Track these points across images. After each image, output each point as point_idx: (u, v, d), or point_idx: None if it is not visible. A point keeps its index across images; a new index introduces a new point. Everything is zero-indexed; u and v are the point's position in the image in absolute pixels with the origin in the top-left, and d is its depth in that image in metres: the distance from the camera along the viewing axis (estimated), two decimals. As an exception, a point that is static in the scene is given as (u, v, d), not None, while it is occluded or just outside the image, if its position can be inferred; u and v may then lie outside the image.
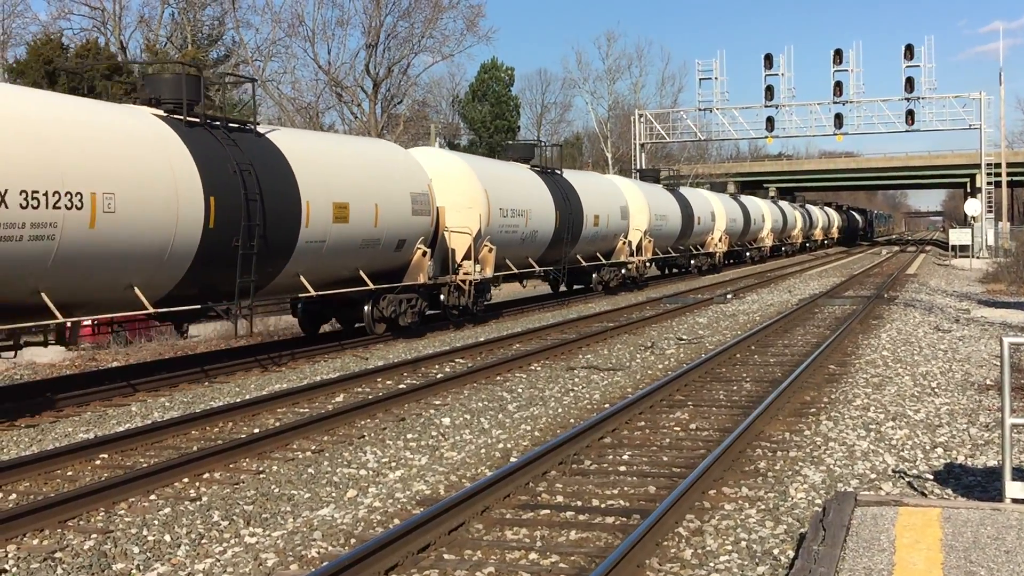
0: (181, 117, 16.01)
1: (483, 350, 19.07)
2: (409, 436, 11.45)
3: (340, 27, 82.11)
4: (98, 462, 10.43)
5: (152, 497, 8.99)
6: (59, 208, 12.86)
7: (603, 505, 8.51)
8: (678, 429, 11.58)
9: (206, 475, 9.75)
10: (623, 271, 34.94)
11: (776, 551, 7.25)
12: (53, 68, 38.22)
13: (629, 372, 16.12)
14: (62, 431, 12.09)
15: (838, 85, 57.49)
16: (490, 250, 24.26)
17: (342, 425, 12.03)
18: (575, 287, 34.56)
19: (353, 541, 7.66)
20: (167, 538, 7.80)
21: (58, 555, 7.42)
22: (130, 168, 14.18)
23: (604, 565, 6.48)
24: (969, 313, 25.19)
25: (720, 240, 49.05)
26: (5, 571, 7.09)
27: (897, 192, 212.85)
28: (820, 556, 6.03)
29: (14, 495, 9.22)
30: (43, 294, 13.11)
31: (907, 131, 57.82)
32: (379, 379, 15.63)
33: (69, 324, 14.09)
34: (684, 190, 46.56)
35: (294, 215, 17.42)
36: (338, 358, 18.43)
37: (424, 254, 21.57)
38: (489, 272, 24.27)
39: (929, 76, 57.04)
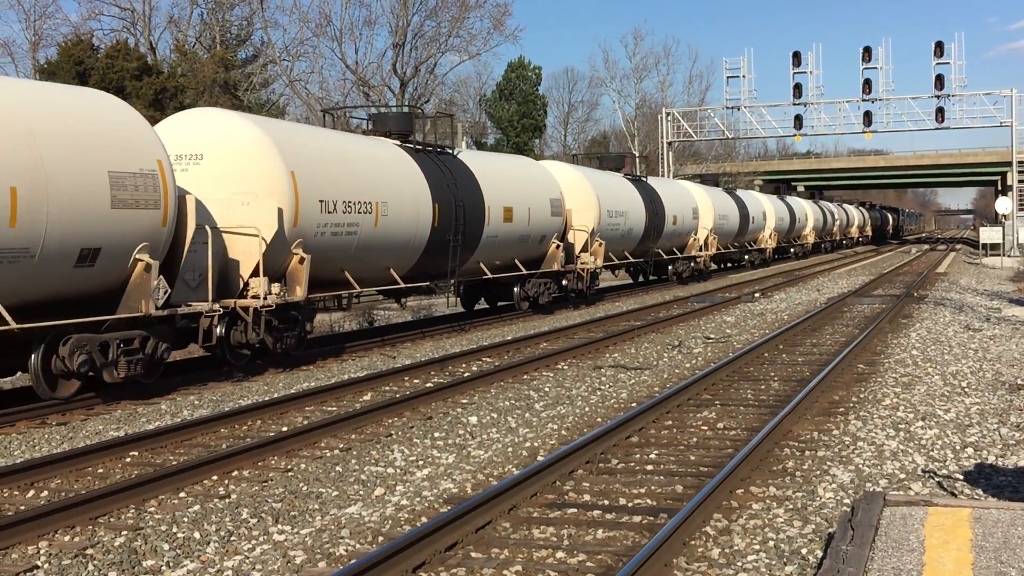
0: (412, 145, 21.67)
1: (510, 349, 19.09)
2: (436, 435, 11.47)
3: (367, 27, 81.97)
4: (128, 460, 10.52)
5: (182, 495, 9.05)
6: (360, 213, 18.40)
7: (630, 504, 8.51)
8: (705, 428, 11.55)
9: (235, 473, 9.81)
10: (692, 264, 39.79)
11: (804, 551, 7.22)
12: (83, 69, 38.54)
13: (656, 371, 16.09)
14: (93, 429, 12.19)
15: (867, 83, 57.06)
16: (600, 244, 29.11)
17: (370, 423, 12.08)
18: (650, 278, 39.42)
19: (381, 539, 7.69)
20: (196, 535, 7.85)
21: (89, 551, 7.49)
22: (395, 185, 19.81)
23: (631, 564, 6.47)
24: (1000, 312, 24.97)
25: (770, 237, 52.92)
26: (37, 567, 7.17)
27: (927, 190, 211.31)
28: (848, 556, 6.00)
29: (46, 492, 9.31)
30: (345, 272, 18.31)
31: (937, 129, 57.38)
32: (406, 378, 15.68)
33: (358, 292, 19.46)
34: (740, 192, 51.29)
35: (480, 217, 22.81)
36: (365, 357, 18.49)
37: (558, 247, 26.88)
38: (600, 262, 29.07)
39: (959, 73, 56.56)
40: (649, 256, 35.74)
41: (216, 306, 15.29)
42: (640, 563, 6.51)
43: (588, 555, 7.21)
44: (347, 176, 18.34)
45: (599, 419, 12.23)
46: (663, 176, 55.43)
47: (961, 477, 9.19)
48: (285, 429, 11.81)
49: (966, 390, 13.65)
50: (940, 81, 56.02)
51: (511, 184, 24.75)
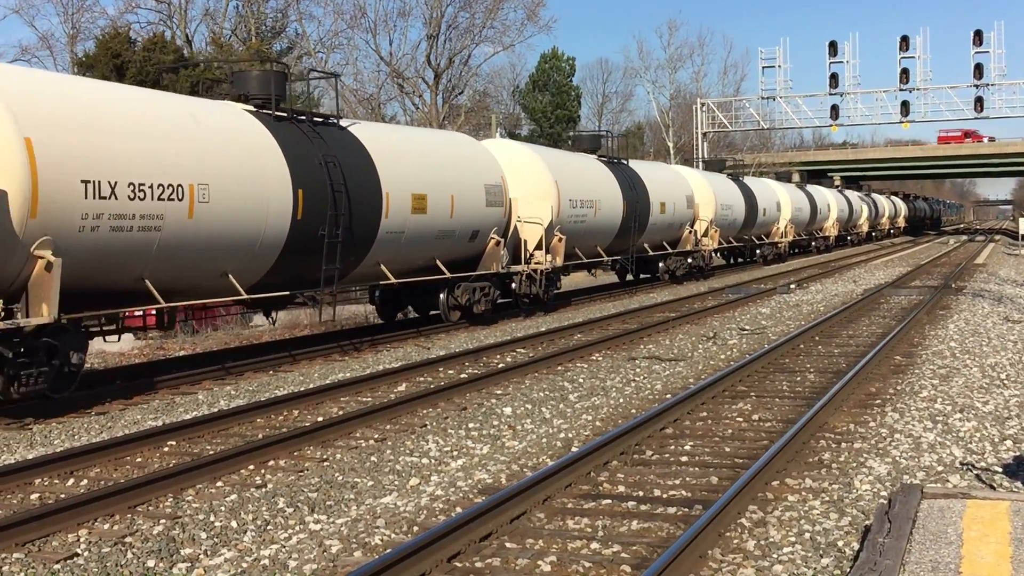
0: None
1: (544, 340, 19.08)
2: (471, 425, 11.50)
3: (401, 18, 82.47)
4: (166, 449, 10.62)
5: (219, 484, 9.13)
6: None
7: (665, 495, 8.49)
8: (740, 420, 11.50)
9: (271, 462, 9.88)
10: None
11: (840, 543, 7.18)
12: (121, 62, 38.84)
13: (691, 362, 16.04)
14: (131, 418, 12.32)
15: (904, 72, 56.56)
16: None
17: (404, 414, 12.12)
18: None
19: (416, 529, 7.72)
20: (233, 524, 7.92)
21: (128, 540, 7.57)
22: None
23: (666, 555, 6.46)
24: (1040, 303, 24.68)
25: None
26: (77, 555, 7.25)
27: (965, 180, 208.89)
28: (886, 548, 5.96)
29: (85, 481, 9.41)
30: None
31: (976, 118, 56.84)
32: (441, 369, 15.72)
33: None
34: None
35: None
36: (400, 347, 18.55)
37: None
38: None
39: (999, 62, 55.97)
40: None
41: (523, 267, 23.23)
42: (675, 554, 6.49)
43: (623, 546, 7.20)
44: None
45: (633, 410, 12.21)
46: (697, 167, 55.13)
47: (1000, 470, 9.10)
48: (321, 419, 11.88)
49: (1005, 382, 13.51)
50: (979, 70, 55.43)
51: (424, 166, 19.81)
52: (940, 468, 9.16)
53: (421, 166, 19.72)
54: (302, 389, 13.86)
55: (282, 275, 16.31)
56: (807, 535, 7.37)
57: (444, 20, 54.25)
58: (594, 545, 7.24)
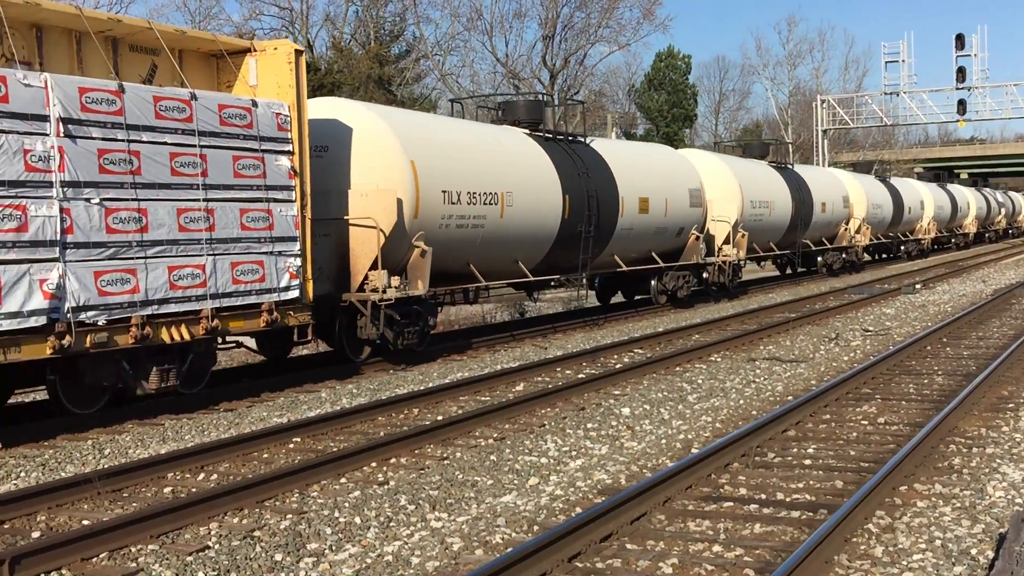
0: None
1: (662, 340, 18.96)
2: (589, 426, 11.49)
3: (517, 19, 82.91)
4: (291, 445, 10.86)
5: (342, 480, 9.30)
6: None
7: (788, 499, 8.35)
8: (865, 423, 11.24)
9: (392, 460, 10.02)
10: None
11: (974, 551, 6.96)
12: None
13: (812, 364, 15.75)
14: (257, 415, 12.63)
15: (1036, 64, 54.47)
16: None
17: (523, 414, 12.17)
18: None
19: (536, 528, 7.74)
20: (357, 520, 8.05)
21: (256, 533, 7.76)
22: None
23: (791, 560, 6.35)
24: None
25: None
26: (208, 547, 7.46)
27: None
28: (1023, 557, 5.76)
29: (215, 475, 9.69)
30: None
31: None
32: (559, 368, 15.74)
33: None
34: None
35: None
36: (517, 347, 18.64)
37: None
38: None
39: None
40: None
41: (714, 259, 26.49)
42: (800, 559, 6.38)
43: (746, 549, 7.11)
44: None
45: (754, 412, 12.04)
46: (817, 164, 54.15)
47: None
48: (440, 418, 12.00)
49: None
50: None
51: (647, 174, 24.09)
52: (1079, 475, 8.81)
53: (644, 174, 23.93)
54: (422, 388, 14.03)
55: (548, 263, 20.67)
56: (938, 542, 7.16)
57: (560, 20, 54.35)
58: (716, 548, 7.16)
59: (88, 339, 11.32)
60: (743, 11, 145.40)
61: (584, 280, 22.90)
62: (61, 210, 11.02)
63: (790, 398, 12.75)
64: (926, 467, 9.17)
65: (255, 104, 13.38)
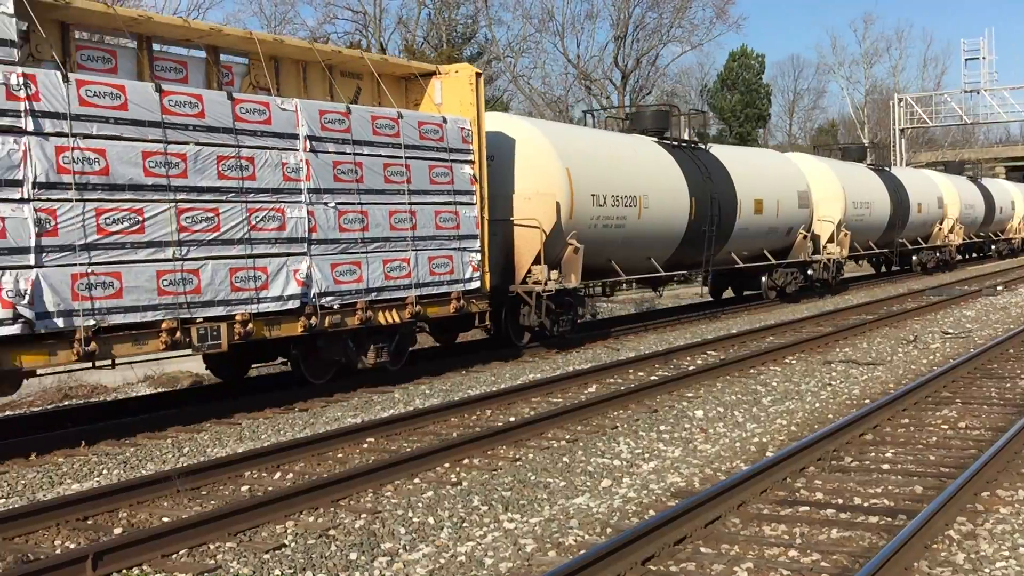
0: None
1: (735, 342, 18.80)
2: (662, 428, 11.42)
3: (589, 20, 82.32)
4: (365, 445, 10.95)
5: (416, 480, 9.35)
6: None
7: (866, 504, 8.22)
8: (945, 427, 11.02)
9: (465, 461, 10.06)
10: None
11: (1059, 559, 6.79)
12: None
13: (890, 367, 15.48)
14: (332, 415, 12.76)
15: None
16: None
17: (595, 415, 12.14)
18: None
19: (609, 531, 7.72)
20: (431, 520, 8.10)
21: (331, 532, 7.84)
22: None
23: (869, 566, 6.25)
24: None
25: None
26: (284, 545, 7.56)
27: None
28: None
29: (291, 474, 9.81)
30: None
31: None
32: (631, 370, 15.67)
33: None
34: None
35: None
36: (589, 349, 18.60)
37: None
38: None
39: None
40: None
41: (819, 256, 28.52)
42: (879, 565, 6.28)
43: (822, 555, 7.01)
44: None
45: (830, 415, 11.87)
46: (897, 164, 53.29)
47: None
48: (513, 419, 12.02)
49: None
50: None
51: (761, 177, 25.95)
52: None
53: (757, 178, 25.70)
54: (494, 389, 14.06)
55: (675, 260, 22.59)
56: (1022, 549, 7.00)
57: (632, 21, 54.17)
58: (792, 552, 7.08)
59: (327, 320, 13.57)
60: (818, 9, 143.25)
61: (703, 276, 24.78)
62: (308, 212, 13.28)
63: (867, 401, 12.55)
64: (1009, 472, 8.96)
65: (445, 120, 15.63)
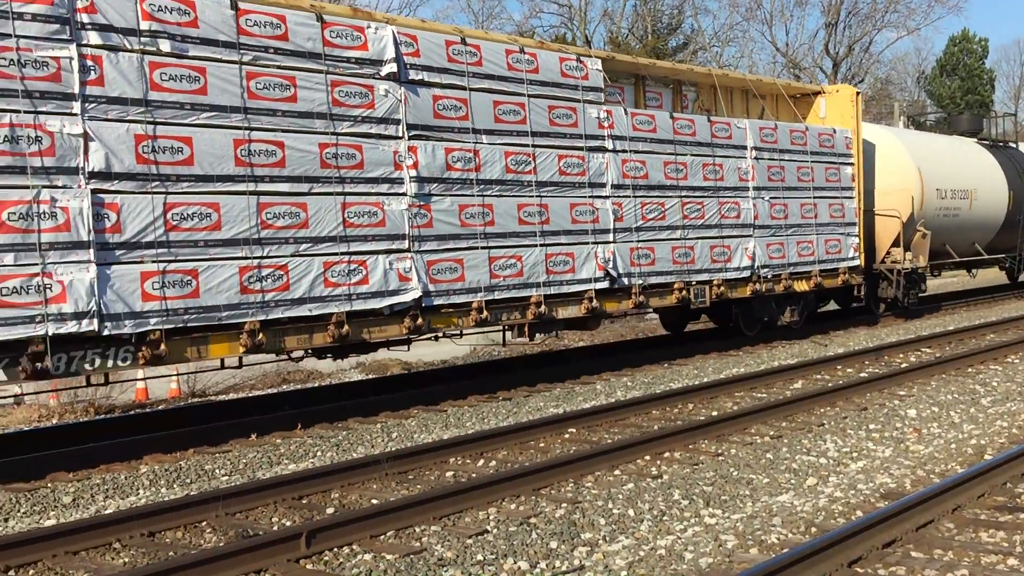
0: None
1: (952, 339, 17.98)
2: (871, 426, 11.05)
3: (799, 7, 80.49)
4: (567, 436, 11.04)
5: (616, 472, 9.37)
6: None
7: (1095, 513, 7.73)
8: None
9: (666, 454, 10.00)
10: None
11: None
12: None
13: (1125, 368, 14.49)
14: (534, 405, 12.93)
15: None
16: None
17: (800, 412, 11.86)
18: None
19: (814, 530, 7.53)
20: (630, 512, 8.10)
21: (532, 520, 7.95)
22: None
23: (1097, 578, 5.89)
24: None
25: None
26: (487, 531, 7.71)
27: None
28: None
29: (494, 462, 10.00)
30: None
31: None
32: (839, 367, 15.23)
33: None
34: None
35: None
36: (796, 345, 18.19)
37: None
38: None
39: None
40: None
41: None
42: (1108, 578, 5.91)
43: (1045, 565, 6.64)
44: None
45: (1056, 418, 11.22)
46: None
47: None
48: (715, 414, 11.88)
49: None
50: None
51: None
52: None
53: None
54: (696, 383, 13.92)
55: (991, 245, 25.87)
56: None
57: (844, 7, 52.49)
58: (1012, 561, 6.73)
59: (763, 287, 17.49)
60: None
61: (1010, 261, 27.10)
62: (753, 204, 17.32)
63: (1098, 405, 11.80)
64: None
65: (834, 131, 19.48)
